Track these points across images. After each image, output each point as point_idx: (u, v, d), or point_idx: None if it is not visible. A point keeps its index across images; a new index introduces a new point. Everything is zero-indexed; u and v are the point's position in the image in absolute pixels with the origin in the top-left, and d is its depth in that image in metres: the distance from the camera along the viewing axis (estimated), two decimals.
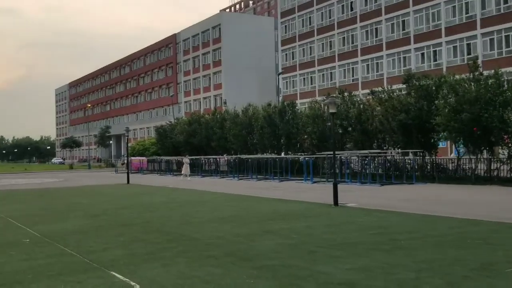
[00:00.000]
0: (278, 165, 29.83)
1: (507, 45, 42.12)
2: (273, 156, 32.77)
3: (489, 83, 23.02)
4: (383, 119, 27.17)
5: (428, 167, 26.91)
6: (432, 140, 26.30)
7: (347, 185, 23.95)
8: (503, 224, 10.55)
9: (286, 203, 15.99)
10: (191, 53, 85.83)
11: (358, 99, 31.20)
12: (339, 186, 23.31)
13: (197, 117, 46.47)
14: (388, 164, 26.83)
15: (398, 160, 27.53)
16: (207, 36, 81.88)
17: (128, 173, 29.79)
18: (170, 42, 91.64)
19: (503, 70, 24.94)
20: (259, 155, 34.96)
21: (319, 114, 31.45)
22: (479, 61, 43.00)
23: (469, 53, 45.09)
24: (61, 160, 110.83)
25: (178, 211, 14.52)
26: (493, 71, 23.96)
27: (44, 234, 10.74)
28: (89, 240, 9.83)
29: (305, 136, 35.10)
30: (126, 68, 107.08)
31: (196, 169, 41.14)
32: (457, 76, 25.00)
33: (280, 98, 66.44)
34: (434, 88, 25.64)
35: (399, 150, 27.41)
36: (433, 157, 26.43)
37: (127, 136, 30.96)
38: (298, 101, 53.31)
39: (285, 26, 67.47)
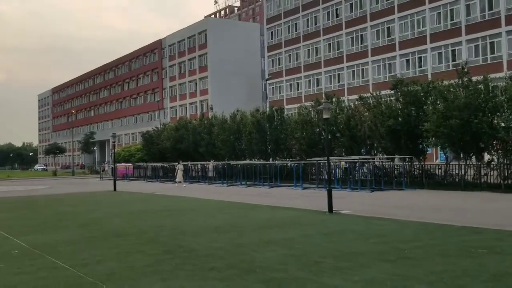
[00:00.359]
0: (268, 171, 29.62)
1: (492, 52, 42.57)
2: (262, 162, 32.56)
3: (478, 89, 23.14)
4: (371, 125, 27.17)
5: (415, 173, 26.98)
6: (420, 146, 26.35)
7: (338, 191, 23.78)
8: (505, 232, 10.46)
9: (280, 210, 15.79)
10: (177, 59, 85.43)
11: (346, 104, 31.18)
12: (333, 192, 23.36)
13: (184, 122, 46.12)
14: (377, 170, 26.79)
15: (386, 166, 27.51)
16: (193, 42, 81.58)
17: (114, 180, 29.34)
18: (156, 47, 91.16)
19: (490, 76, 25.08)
20: (247, 161, 34.74)
21: (308, 120, 31.36)
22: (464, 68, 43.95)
23: (454, 60, 45.52)
24: (44, 167, 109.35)
25: (171, 219, 14.22)
26: (482, 77, 24.12)
27: (33, 245, 10.38)
28: (82, 252, 9.51)
29: (293, 142, 35.00)
30: (111, 74, 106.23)
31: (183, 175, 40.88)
32: (446, 82, 25.11)
33: (267, 104, 66.50)
34: (422, 94, 25.71)
35: (387, 156, 27.46)
36: (422, 163, 26.47)
37: (114, 142, 30.51)
38: (285, 107, 53.29)
39: (271, 32, 67.53)
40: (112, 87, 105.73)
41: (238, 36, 78.10)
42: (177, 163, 34.97)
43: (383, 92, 35.61)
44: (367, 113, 28.42)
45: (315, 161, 27.58)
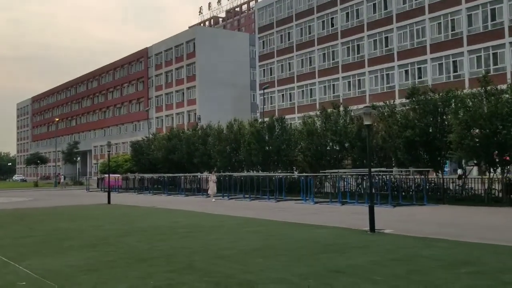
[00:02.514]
0: (275, 184, 27.78)
1: (495, 63, 41.66)
2: (268, 174, 30.72)
3: (504, 98, 21.77)
4: (385, 136, 25.62)
5: (427, 186, 25.50)
6: (439, 158, 24.85)
7: (355, 206, 22.16)
8: None
9: (314, 229, 13.96)
10: (163, 68, 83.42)
11: (357, 114, 29.61)
12: (348, 207, 21.74)
13: (176, 132, 44.08)
14: (395, 184, 25.20)
15: (404, 179, 25.97)
16: (180, 51, 79.75)
17: (109, 192, 27.18)
18: (141, 56, 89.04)
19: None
20: (249, 173, 32.90)
21: (314, 130, 29.69)
22: (465, 79, 43.02)
23: (455, 71, 44.59)
24: (23, 177, 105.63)
25: (195, 239, 12.30)
26: (506, 85, 22.83)
27: (42, 273, 8.40)
28: (108, 284, 7.58)
29: (296, 153, 33.30)
30: (94, 82, 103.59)
31: (173, 187, 38.91)
32: (466, 91, 23.76)
33: (258, 115, 64.83)
34: (440, 103, 24.29)
35: (400, 168, 25.94)
36: (440, 177, 24.96)
37: (109, 151, 28.43)
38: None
39: (263, 41, 66.14)
40: (95, 96, 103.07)
41: (227, 46, 76.54)
42: (209, 173, 30.84)
43: (401, 101, 34.39)
44: (379, 124, 26.88)
45: (328, 174, 25.90)
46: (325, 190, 29.55)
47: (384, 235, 12.59)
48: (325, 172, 26.25)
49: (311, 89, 58.33)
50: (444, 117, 24.18)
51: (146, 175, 42.28)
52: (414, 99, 25.16)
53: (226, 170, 37.24)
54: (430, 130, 24.23)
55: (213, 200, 27.93)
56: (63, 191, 46.27)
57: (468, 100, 22.62)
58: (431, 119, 24.20)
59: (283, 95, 62.15)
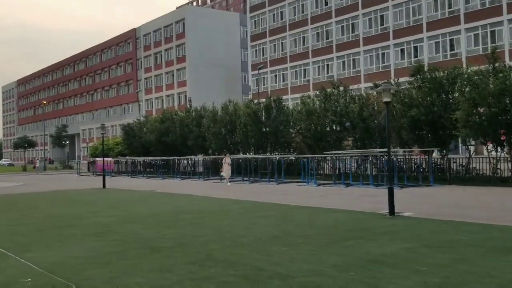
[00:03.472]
0: (274, 166, 27.00)
1: (493, 41, 40.95)
2: (268, 156, 29.94)
3: None
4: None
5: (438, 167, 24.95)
6: (444, 138, 24.20)
7: (360, 187, 21.50)
8: None
9: (327, 213, 13.23)
10: (152, 49, 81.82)
11: (358, 93, 28.87)
12: (353, 189, 21.08)
13: (169, 114, 43.01)
14: (401, 165, 24.57)
15: (408, 160, 25.37)
16: (170, 31, 78.14)
17: (103, 176, 26.26)
18: (129, 37, 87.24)
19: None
20: (246, 155, 32.10)
21: (313, 110, 28.87)
22: (463, 57, 42.30)
23: (452, 49, 43.90)
24: (10, 162, 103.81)
25: (204, 225, 11.52)
26: None
27: (47, 267, 7.57)
28: (123, 278, 6.78)
29: (294, 134, 32.57)
30: (81, 65, 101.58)
31: (166, 171, 38.10)
32: (474, 68, 23.06)
33: (250, 96, 63.81)
34: (446, 81, 23.57)
35: (403, 149, 25.30)
36: (446, 157, 24.36)
37: (103, 133, 27.39)
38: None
39: (255, 21, 64.85)
40: (82, 78, 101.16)
41: (218, 26, 75.03)
42: (223, 156, 28.72)
43: (406, 79, 33.53)
44: (382, 103, 26.15)
45: (332, 155, 25.18)
46: (324, 172, 28.92)
47: (405, 218, 11.89)
48: (329, 153, 25.50)
49: (304, 70, 57.40)
50: (450, 95, 23.50)
51: (139, 158, 41.29)
52: (419, 76, 24.42)
53: (221, 152, 36.41)
54: (435, 109, 23.53)
55: (228, 183, 26.14)
56: (52, 176, 45.16)
57: (476, 77, 21.91)
58: (437, 97, 23.48)
59: (276, 76, 61.15)
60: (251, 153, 33.80)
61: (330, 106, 28.14)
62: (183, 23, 75.16)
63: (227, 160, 27.12)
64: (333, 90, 29.14)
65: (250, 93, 65.25)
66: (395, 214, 12.32)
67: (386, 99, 12.79)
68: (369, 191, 19.77)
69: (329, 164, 28.86)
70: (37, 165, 55.33)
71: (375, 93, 28.17)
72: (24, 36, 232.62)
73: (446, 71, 23.79)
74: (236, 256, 7.91)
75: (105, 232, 10.86)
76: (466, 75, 22.72)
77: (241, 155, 32.10)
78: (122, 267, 7.48)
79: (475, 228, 10.21)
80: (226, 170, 26.55)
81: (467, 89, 21.99)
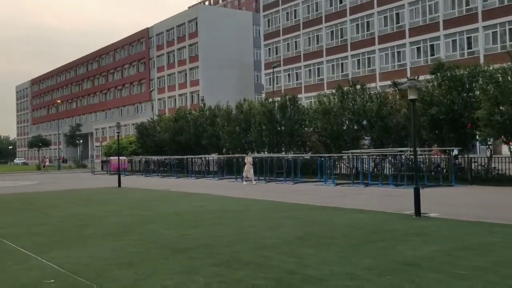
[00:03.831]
0: (291, 165, 26.69)
1: (511, 39, 40.30)
2: (284, 155, 29.63)
3: None
4: (408, 114, 24.44)
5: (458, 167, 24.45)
6: (464, 137, 23.72)
7: (380, 187, 21.13)
8: None
9: (351, 214, 12.92)
10: (165, 48, 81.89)
11: (376, 91, 28.45)
12: (373, 189, 20.69)
13: (183, 113, 42.87)
14: (418, 164, 24.12)
15: (430, 159, 24.93)
16: (182, 30, 78.12)
17: (119, 175, 26.13)
18: (142, 36, 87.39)
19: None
20: (260, 154, 31.84)
21: (330, 109, 28.51)
22: (480, 55, 41.64)
23: (469, 47, 43.24)
24: (24, 161, 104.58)
25: (226, 225, 11.26)
26: None
27: (69, 268, 7.36)
28: (148, 281, 6.54)
29: (310, 133, 32.24)
30: (94, 64, 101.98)
31: (180, 170, 37.97)
32: (496, 65, 22.56)
33: (263, 95, 63.54)
34: (468, 79, 23.09)
35: (421, 148, 24.84)
36: (466, 156, 23.87)
37: (118, 132, 27.27)
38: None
39: (268, 19, 64.54)
40: (95, 78, 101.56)
41: (231, 25, 74.84)
42: (245, 155, 27.30)
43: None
44: (399, 101, 25.75)
45: (350, 154, 24.82)
46: (340, 171, 28.53)
47: (432, 219, 11.54)
48: (348, 152, 25.12)
49: (318, 68, 56.99)
50: (471, 93, 23.03)
51: (154, 157, 41.17)
52: (439, 74, 23.98)
53: (236, 151, 36.21)
54: (455, 107, 23.06)
55: (254, 183, 25.33)
56: (66, 175, 45.23)
57: (498, 75, 21.44)
58: (457, 95, 23.01)
59: (289, 74, 60.82)
60: (266, 152, 33.56)
61: (347, 105, 27.77)
62: (196, 22, 75.09)
63: (248, 159, 26.10)
64: (350, 89, 28.76)
65: (263, 92, 65.01)
66: (421, 215, 11.97)
67: (412, 96, 12.44)
68: (390, 191, 19.41)
69: (346, 164, 28.51)
70: (47, 163, 55.35)
71: (392, 91, 27.84)
72: (36, 36, 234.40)
73: (467, 69, 23.31)
74: (263, 259, 7.64)
75: (125, 232, 10.65)
76: (487, 73, 22.24)
77: (255, 154, 31.80)
78: (146, 268, 7.24)
79: (507, 229, 9.85)
80: (248, 170, 25.70)
81: (488, 87, 21.53)
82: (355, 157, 25.04)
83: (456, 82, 23.01)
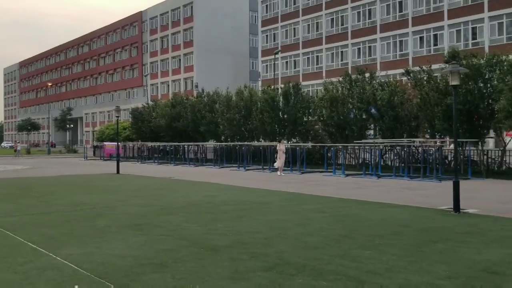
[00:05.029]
0: (298, 154, 25.69)
1: None
2: (294, 144, 28.68)
3: None
4: (421, 103, 23.56)
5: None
6: (479, 128, 22.85)
7: (394, 179, 20.23)
8: None
9: (382, 208, 11.95)
10: (159, 33, 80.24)
11: (387, 80, 27.47)
12: (387, 181, 19.78)
13: (180, 98, 41.63)
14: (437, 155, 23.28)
15: (447, 151, 24.10)
16: (177, 15, 76.50)
17: (118, 161, 24.93)
18: (135, 20, 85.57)
19: None
20: (265, 143, 30.84)
21: (337, 97, 27.51)
22: (485, 46, 40.83)
23: (474, 38, 42.40)
24: (12, 144, 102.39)
25: (253, 219, 10.23)
26: None
27: (92, 269, 6.30)
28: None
29: (313, 122, 31.31)
30: (85, 48, 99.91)
31: (179, 157, 36.89)
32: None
33: (259, 83, 62.41)
34: (485, 68, 22.19)
35: (431, 139, 24.01)
36: (481, 148, 23.05)
37: (117, 116, 26.04)
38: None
39: (266, 5, 63.15)
40: (86, 62, 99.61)
41: (227, 10, 73.38)
42: (277, 143, 24.98)
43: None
44: (410, 90, 24.85)
45: (362, 144, 23.90)
46: (345, 162, 27.61)
47: (476, 216, 10.63)
48: (361, 142, 24.19)
49: (317, 56, 55.90)
50: (489, 84, 22.15)
51: (151, 144, 39.93)
52: (455, 63, 22.99)
53: (235, 139, 35.19)
54: (471, 98, 22.17)
55: (282, 174, 23.17)
56: (58, 159, 43.85)
57: None
58: (474, 85, 22.13)
59: (287, 62, 59.65)
60: (267, 141, 32.55)
61: (356, 93, 26.79)
62: (191, 6, 73.54)
63: (281, 147, 23.90)
64: (358, 76, 27.77)
65: (259, 79, 63.85)
66: (460, 211, 11.06)
67: (454, 82, 11.47)
68: (407, 184, 18.52)
69: (351, 154, 27.63)
70: (18, 148, 52.09)
71: (403, 79, 26.93)
72: (24, 20, 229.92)
73: (485, 58, 22.42)
74: (316, 261, 6.63)
75: (143, 224, 9.58)
76: (505, 63, 21.38)
77: (255, 143, 30.85)
78: (183, 271, 6.20)
79: None
80: (279, 159, 23.71)
81: (509, 77, 20.66)
82: (367, 147, 24.07)
83: (473, 71, 22.10)
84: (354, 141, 25.13)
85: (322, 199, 13.67)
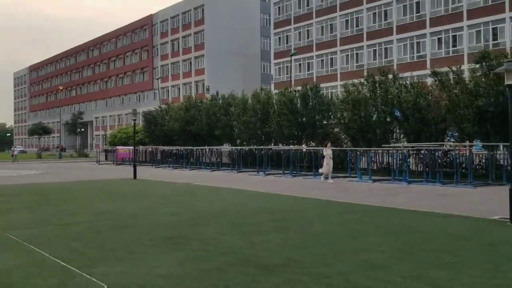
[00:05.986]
0: (319, 158, 24.80)
1: None
2: (316, 148, 27.83)
3: None
4: (450, 106, 22.64)
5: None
6: None
7: (427, 185, 19.31)
8: None
9: (431, 218, 11.06)
10: (169, 36, 79.69)
11: (411, 81, 26.56)
12: (420, 187, 18.83)
13: (194, 101, 40.93)
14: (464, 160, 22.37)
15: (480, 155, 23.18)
16: (188, 18, 75.92)
17: (135, 166, 24.21)
18: (146, 23, 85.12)
19: None
20: (284, 147, 30.03)
21: (360, 99, 26.64)
22: (506, 47, 39.78)
23: (494, 39, 41.37)
24: (22, 149, 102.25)
25: (293, 231, 9.39)
26: None
27: None
28: None
29: (333, 125, 30.49)
30: (95, 51, 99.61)
31: (194, 161, 36.15)
32: None
33: (272, 85, 61.60)
34: None
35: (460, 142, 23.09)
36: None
37: (134, 120, 25.30)
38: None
39: (279, 7, 62.35)
40: (96, 65, 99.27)
41: (238, 13, 72.65)
42: (324, 147, 22.69)
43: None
44: (437, 92, 23.95)
45: (390, 148, 23.01)
46: (366, 166, 26.73)
47: None
48: (390, 146, 23.31)
49: (331, 59, 55.03)
50: None
51: (166, 148, 39.19)
52: (484, 64, 22.14)
53: (250, 142, 34.47)
54: (503, 99, 21.24)
55: (331, 181, 21.17)
56: (70, 164, 43.24)
57: None
58: (506, 87, 21.15)
59: (300, 64, 58.79)
60: (285, 145, 31.76)
61: (379, 95, 25.92)
62: (202, 9, 72.95)
63: (328, 152, 21.84)
64: (382, 78, 26.90)
65: (272, 82, 63.08)
66: None
67: (510, 81, 10.59)
68: (441, 190, 17.60)
69: (373, 158, 26.73)
70: (16, 152, 50.98)
71: (430, 81, 26.05)
72: (34, 24, 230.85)
73: None
74: (389, 285, 5.78)
75: (178, 237, 8.76)
76: None
77: (276, 146, 30.06)
78: None
79: None
80: (326, 164, 21.65)
81: None
82: (394, 151, 23.15)
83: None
84: (383, 145, 24.20)
85: (359, 207, 12.81)
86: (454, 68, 23.17)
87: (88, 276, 6.24)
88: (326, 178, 21.66)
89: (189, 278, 6.11)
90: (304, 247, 7.91)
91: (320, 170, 22.26)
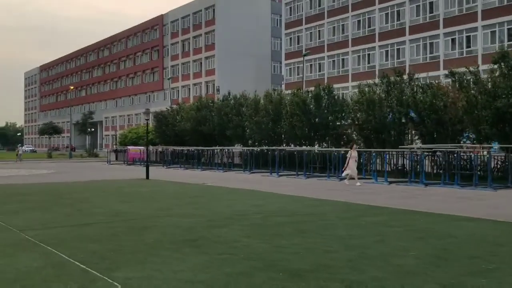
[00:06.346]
0: (334, 160, 24.51)
1: None
2: (329, 149, 27.56)
3: None
4: (467, 107, 22.23)
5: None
6: None
7: (444, 188, 18.94)
8: None
9: (458, 222, 10.73)
10: (180, 36, 79.65)
11: (428, 82, 26.19)
12: (438, 189, 18.46)
13: (206, 102, 40.73)
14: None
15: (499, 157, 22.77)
16: (199, 18, 75.81)
17: (147, 167, 24.02)
18: (156, 23, 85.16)
19: None
20: (297, 148, 29.74)
21: (375, 100, 26.29)
22: None
23: (510, 40, 40.83)
24: (32, 148, 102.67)
25: (317, 234, 9.08)
26: None
27: None
28: None
29: (346, 126, 30.17)
30: (105, 51, 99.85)
31: (205, 161, 35.94)
32: None
33: (283, 86, 61.31)
34: None
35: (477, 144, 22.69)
36: None
37: (147, 119, 25.11)
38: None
39: (290, 8, 62.09)
40: (106, 65, 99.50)
41: (249, 13, 72.44)
42: (349, 149, 21.45)
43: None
44: (452, 93, 23.53)
45: (408, 149, 22.64)
46: (379, 168, 26.36)
47: None
48: (405, 147, 22.93)
49: (343, 59, 54.67)
50: None
51: (177, 148, 39.03)
52: (503, 64, 21.73)
53: (262, 143, 34.23)
54: None
55: (358, 184, 19.80)
56: (81, 164, 43.19)
57: None
58: None
59: (311, 65, 58.47)
60: (297, 146, 31.50)
61: (395, 96, 25.55)
62: (213, 9, 72.81)
63: (353, 154, 20.39)
64: (397, 78, 26.53)
65: (283, 82, 62.80)
66: None
67: None
68: (461, 192, 17.23)
69: (386, 160, 26.35)
70: (20, 152, 50.29)
71: (444, 82, 25.64)
72: (44, 24, 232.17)
73: None
74: None
75: (199, 240, 8.50)
76: None
77: (289, 147, 29.78)
78: None
79: None
80: (351, 167, 20.16)
81: None
82: (410, 153, 22.77)
83: None
84: (399, 146, 23.84)
85: (382, 210, 12.49)
86: (471, 69, 22.72)
87: (109, 280, 5.98)
88: (354, 180, 20.24)
89: (215, 284, 5.83)
90: (331, 251, 7.61)
91: (344, 173, 20.76)
